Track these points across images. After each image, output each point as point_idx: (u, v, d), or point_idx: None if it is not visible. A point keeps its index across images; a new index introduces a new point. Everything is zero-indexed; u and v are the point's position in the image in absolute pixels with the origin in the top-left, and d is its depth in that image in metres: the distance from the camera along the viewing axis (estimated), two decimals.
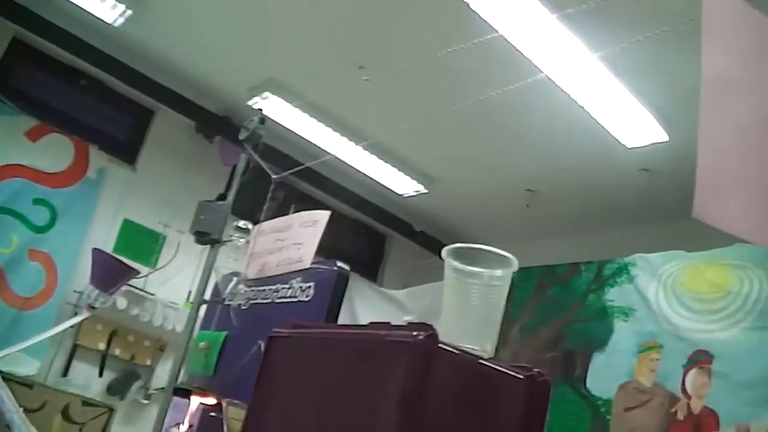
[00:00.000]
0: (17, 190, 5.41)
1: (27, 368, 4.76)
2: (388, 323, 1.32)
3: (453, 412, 1.29)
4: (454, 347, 1.32)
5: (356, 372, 1.29)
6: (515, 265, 1.53)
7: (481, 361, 1.39)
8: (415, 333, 1.21)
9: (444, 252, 1.58)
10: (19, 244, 5.34)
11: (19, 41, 5.49)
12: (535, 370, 1.43)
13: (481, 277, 1.51)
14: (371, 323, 1.34)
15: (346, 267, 3.18)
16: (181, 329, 5.54)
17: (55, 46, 5.46)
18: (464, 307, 1.53)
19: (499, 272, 1.53)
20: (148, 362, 5.60)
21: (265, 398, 1.48)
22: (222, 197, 3.45)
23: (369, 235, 7.60)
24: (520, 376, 1.41)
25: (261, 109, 3.78)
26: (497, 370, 1.40)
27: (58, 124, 5.62)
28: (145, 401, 5.49)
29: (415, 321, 1.35)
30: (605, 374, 4.31)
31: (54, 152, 5.58)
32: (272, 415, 1.47)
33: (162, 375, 5.41)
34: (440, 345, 1.25)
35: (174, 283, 5.67)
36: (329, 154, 5.57)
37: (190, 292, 5.29)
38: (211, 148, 6.20)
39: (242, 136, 3.41)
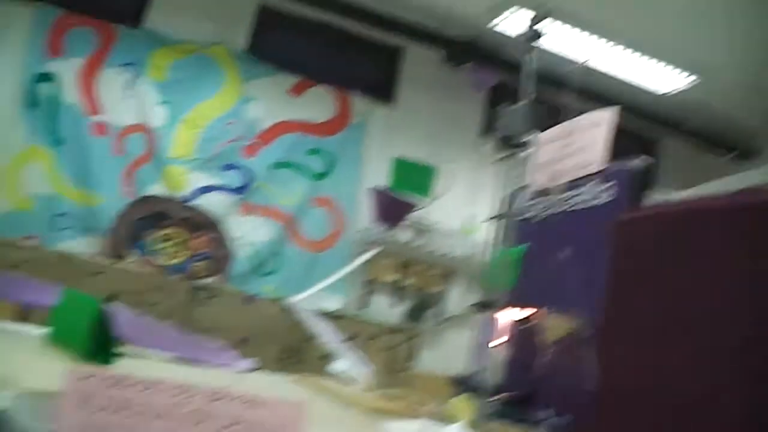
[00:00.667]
0: (292, 144, 5.82)
1: (332, 304, 5.14)
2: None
3: None
4: None
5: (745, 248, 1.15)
6: None
7: None
8: None
9: None
10: (302, 194, 5.77)
11: (266, 9, 5.83)
12: None
13: None
14: (741, 191, 1.21)
15: (643, 162, 3.02)
16: (464, 254, 5.71)
17: (301, 4, 5.72)
18: None
19: None
20: (439, 289, 5.85)
21: (622, 292, 1.42)
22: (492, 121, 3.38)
23: (638, 143, 7.22)
24: None
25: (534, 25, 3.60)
26: None
27: (315, 77, 5.93)
28: (441, 326, 5.73)
29: None
30: None
31: (317, 104, 5.92)
32: (631, 314, 1.41)
33: (453, 300, 5.63)
34: None
35: (451, 211, 5.80)
36: (584, 61, 5.32)
37: (469, 217, 5.42)
38: (463, 76, 6.20)
39: (518, 47, 3.30)
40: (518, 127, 3.06)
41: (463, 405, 1.85)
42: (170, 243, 5.15)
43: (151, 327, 2.12)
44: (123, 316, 1.99)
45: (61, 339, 1.76)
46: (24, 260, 3.65)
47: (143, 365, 1.83)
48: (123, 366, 1.67)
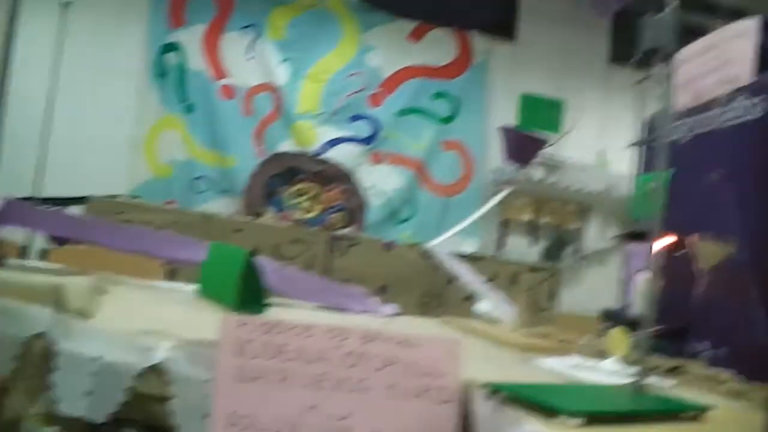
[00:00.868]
0: (416, 90, 5.77)
1: (468, 246, 5.11)
2: None
3: None
4: None
5: None
6: None
7: None
8: None
9: None
10: (430, 139, 5.73)
11: None
12: None
13: None
14: None
15: None
16: (600, 188, 5.52)
17: None
18: None
19: None
20: (576, 225, 5.69)
21: None
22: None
23: None
24: None
25: None
26: None
27: (433, 20, 5.82)
28: (580, 263, 5.59)
29: None
30: None
31: (438, 47, 5.82)
32: None
33: (591, 236, 5.47)
34: None
35: (584, 145, 5.61)
36: None
37: (602, 149, 5.22)
38: (586, 3, 5.92)
39: None
40: (661, 40, 2.88)
41: (617, 339, 1.77)
42: (304, 198, 5.25)
43: (295, 277, 2.14)
44: (267, 267, 2.02)
45: (212, 292, 1.80)
46: (170, 222, 3.79)
47: (291, 314, 1.85)
48: (273, 315, 1.69)
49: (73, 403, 1.20)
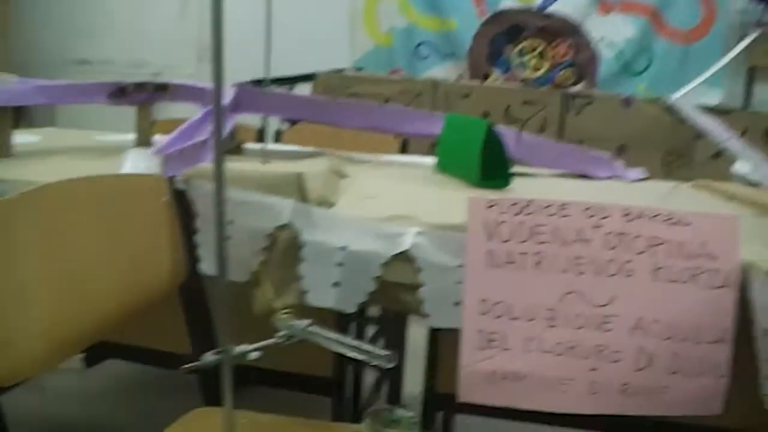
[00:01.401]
0: None
1: (712, 99, 4.69)
2: None
3: None
4: None
5: None
6: None
7: None
8: None
9: None
10: None
11: None
12: None
13: None
14: None
15: None
16: None
17: None
18: None
19: None
20: None
21: None
22: None
23: None
24: None
25: None
26: None
27: None
28: None
29: None
30: None
31: None
32: None
33: None
34: None
35: None
36: None
37: None
38: None
39: None
40: None
41: None
42: (530, 55, 5.01)
43: (534, 143, 2.04)
44: (504, 135, 1.93)
45: (452, 166, 1.75)
46: (397, 93, 3.80)
47: (534, 184, 1.77)
48: (517, 187, 1.62)
49: (322, 295, 1.21)
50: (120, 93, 1.92)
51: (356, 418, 1.49)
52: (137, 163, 1.31)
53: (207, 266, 1.30)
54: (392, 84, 3.84)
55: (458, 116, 1.73)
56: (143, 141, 1.99)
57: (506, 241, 1.16)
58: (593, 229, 1.14)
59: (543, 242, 1.16)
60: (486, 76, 4.97)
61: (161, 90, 1.95)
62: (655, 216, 1.13)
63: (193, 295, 1.34)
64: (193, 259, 1.31)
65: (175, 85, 1.96)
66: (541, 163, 2.03)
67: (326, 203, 1.30)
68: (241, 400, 0.89)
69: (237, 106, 1.87)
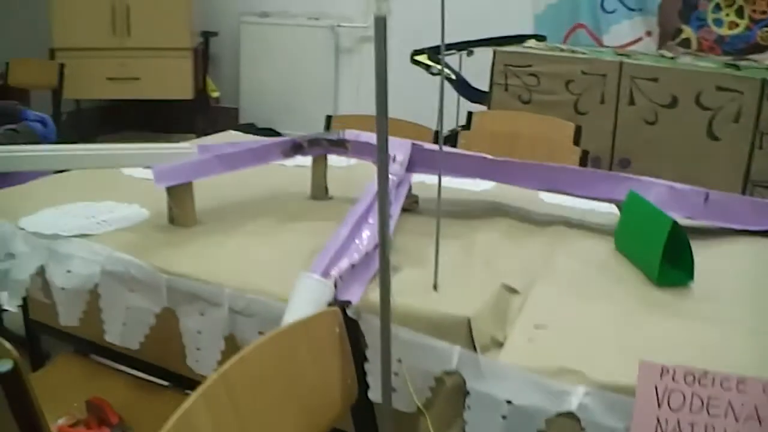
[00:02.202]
0: None
1: None
2: None
3: None
4: None
5: None
6: None
7: None
8: None
9: None
10: None
11: None
12: None
13: None
14: None
15: None
16: None
17: None
18: None
19: None
20: None
21: None
22: None
23: None
24: None
25: None
26: None
27: None
28: None
29: None
30: None
31: None
32: None
33: None
34: None
35: None
36: None
37: None
38: None
39: None
40: None
41: None
42: (728, 10, 4.58)
43: (721, 201, 1.85)
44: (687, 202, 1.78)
45: (631, 252, 1.66)
46: (579, 73, 3.63)
47: (719, 262, 1.63)
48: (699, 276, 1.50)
49: None
50: (296, 149, 1.96)
51: None
52: (309, 294, 1.32)
53: (374, 395, 1.34)
54: (574, 63, 3.65)
55: (641, 200, 1.62)
56: (317, 194, 2.04)
57: (677, 410, 1.12)
58: None
59: (716, 416, 1.11)
60: (677, 33, 4.63)
61: (338, 146, 1.96)
62: None
63: (363, 415, 1.38)
64: (365, 383, 1.35)
65: (352, 141, 1.94)
66: (731, 222, 1.87)
67: (495, 345, 1.28)
68: None
69: (412, 165, 1.86)
